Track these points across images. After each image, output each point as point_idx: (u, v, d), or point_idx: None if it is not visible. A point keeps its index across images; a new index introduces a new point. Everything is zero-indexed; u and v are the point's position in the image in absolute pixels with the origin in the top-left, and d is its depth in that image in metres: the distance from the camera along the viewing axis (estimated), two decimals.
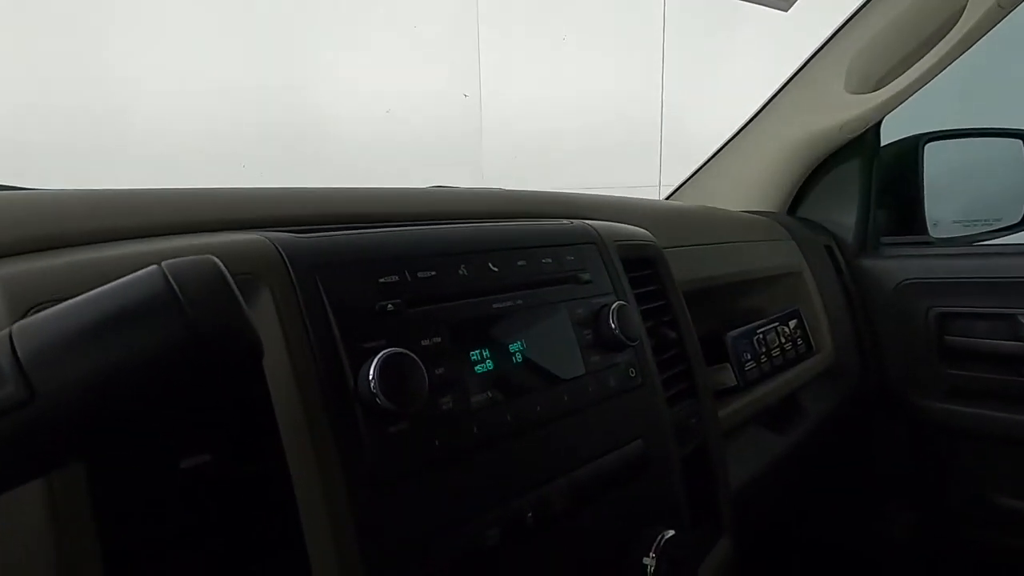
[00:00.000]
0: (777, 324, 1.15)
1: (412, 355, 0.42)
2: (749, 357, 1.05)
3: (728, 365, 1.01)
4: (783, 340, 1.15)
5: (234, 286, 0.25)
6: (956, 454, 1.29)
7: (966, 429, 1.27)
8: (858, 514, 1.38)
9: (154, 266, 0.25)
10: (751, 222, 1.26)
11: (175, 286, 0.24)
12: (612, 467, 0.54)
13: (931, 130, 1.49)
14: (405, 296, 0.45)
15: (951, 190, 1.56)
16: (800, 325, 1.21)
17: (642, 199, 1.01)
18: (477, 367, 0.47)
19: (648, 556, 0.53)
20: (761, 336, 1.10)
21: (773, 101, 1.31)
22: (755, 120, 1.34)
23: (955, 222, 1.57)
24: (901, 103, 1.22)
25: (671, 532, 0.55)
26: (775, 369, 1.09)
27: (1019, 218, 1.46)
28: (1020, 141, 1.50)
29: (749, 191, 1.38)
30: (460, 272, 0.49)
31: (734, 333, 1.05)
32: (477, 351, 0.48)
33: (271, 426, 0.38)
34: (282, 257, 0.42)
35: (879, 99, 1.20)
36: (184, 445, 0.36)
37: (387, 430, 0.41)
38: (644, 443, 0.58)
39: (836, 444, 1.26)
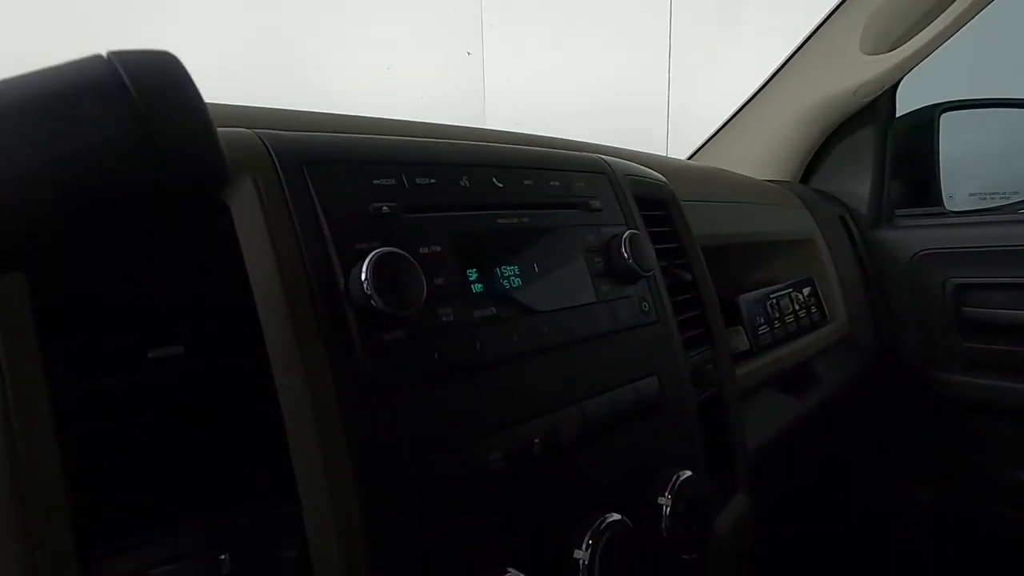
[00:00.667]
0: (791, 291, 1.11)
1: (408, 256, 0.38)
2: (762, 322, 1.01)
3: (741, 328, 0.97)
4: (797, 307, 1.11)
5: (197, 88, 0.22)
6: (974, 428, 1.25)
7: (984, 402, 1.23)
8: (875, 487, 1.34)
9: (98, 53, 0.21)
10: (764, 188, 1.22)
11: (123, 73, 0.20)
12: (625, 401, 0.50)
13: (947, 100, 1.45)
14: (402, 201, 0.41)
15: (968, 162, 1.52)
16: (814, 293, 1.17)
17: (656, 154, 0.97)
18: (480, 284, 0.44)
19: (664, 496, 0.49)
20: (774, 301, 1.06)
21: (787, 65, 1.27)
22: (768, 85, 1.29)
23: (972, 195, 1.54)
24: (918, 63, 1.18)
25: (688, 473, 0.52)
26: (789, 336, 1.05)
27: None
28: None
29: (762, 159, 1.34)
30: (462, 183, 0.46)
31: (747, 297, 1.01)
32: (480, 267, 0.44)
33: (253, 325, 0.35)
34: (268, 150, 0.38)
35: (896, 59, 1.16)
36: (153, 335, 0.32)
37: (381, 336, 0.38)
38: (659, 380, 0.54)
39: (852, 415, 1.22)
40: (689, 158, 1.39)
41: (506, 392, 0.43)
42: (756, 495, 0.71)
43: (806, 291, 1.15)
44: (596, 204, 0.55)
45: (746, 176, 1.22)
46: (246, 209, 0.36)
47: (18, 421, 0.28)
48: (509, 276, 0.46)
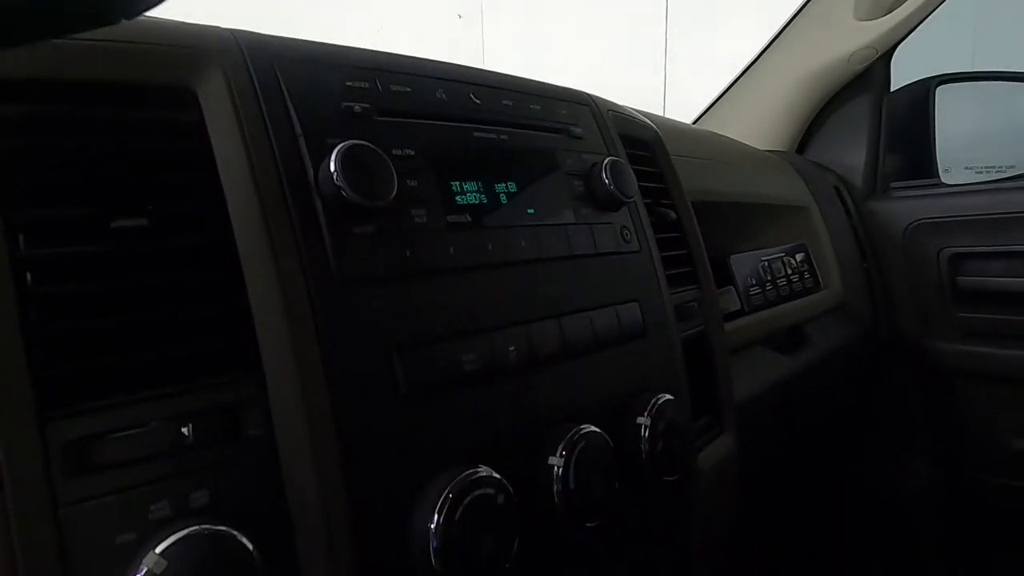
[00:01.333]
0: (783, 255, 1.11)
1: (378, 150, 0.38)
2: (754, 283, 1.01)
3: (732, 289, 0.97)
4: (789, 272, 1.11)
5: None
6: (970, 397, 1.24)
7: (980, 371, 1.22)
8: (869, 458, 1.33)
9: None
10: (760, 155, 1.22)
11: None
12: (605, 323, 0.50)
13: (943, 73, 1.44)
14: (375, 104, 0.41)
15: (963, 136, 1.52)
16: (807, 260, 1.17)
17: (651, 112, 0.97)
18: (457, 197, 0.43)
19: (643, 416, 0.49)
20: (766, 264, 1.06)
21: (782, 34, 1.27)
22: (764, 54, 1.29)
23: (967, 168, 1.53)
24: (912, 29, 1.17)
25: (668, 396, 0.51)
26: (781, 299, 1.05)
27: None
28: None
29: (759, 130, 1.33)
30: (438, 95, 0.45)
31: (739, 257, 1.00)
32: (454, 176, 0.44)
33: (222, 212, 0.35)
34: (239, 45, 0.38)
35: (888, 24, 1.15)
36: (117, 205, 0.32)
37: (351, 229, 0.37)
38: (640, 307, 0.54)
39: (845, 383, 1.22)
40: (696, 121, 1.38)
41: (480, 298, 0.43)
42: (745, 446, 0.71)
43: (799, 257, 1.15)
44: (577, 132, 0.55)
45: (740, 143, 1.21)
46: (215, 100, 0.36)
47: None
48: (484, 190, 0.45)
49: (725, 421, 0.67)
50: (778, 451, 1.02)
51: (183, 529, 0.29)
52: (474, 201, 0.44)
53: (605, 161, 0.53)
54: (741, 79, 1.31)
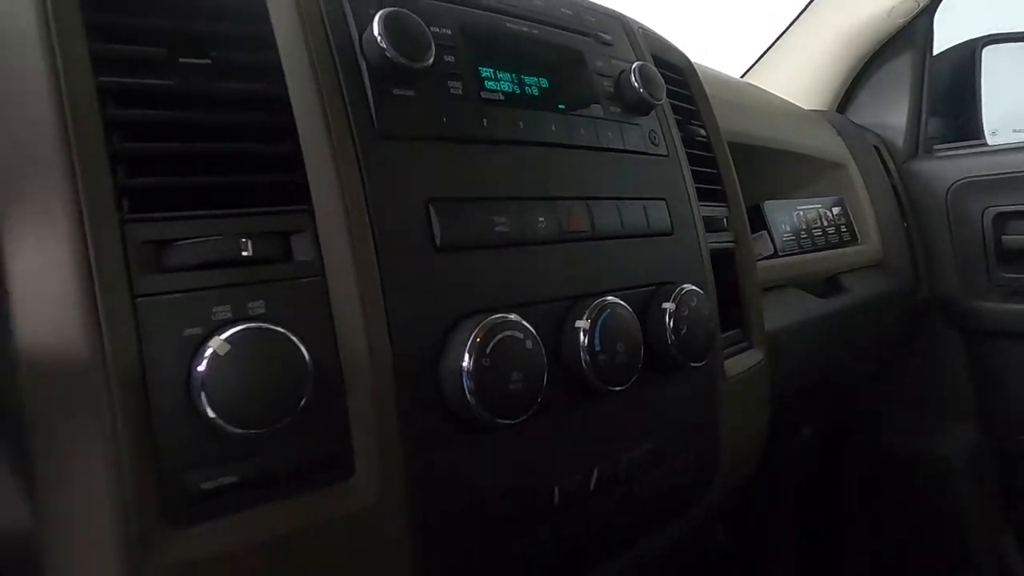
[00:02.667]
0: (819, 206, 1.11)
1: (417, 18, 0.41)
2: (787, 229, 1.01)
3: (765, 234, 0.98)
4: (825, 223, 1.10)
5: None
6: (1014, 358, 1.22)
7: None
8: (907, 419, 1.31)
9: None
10: (797, 110, 1.22)
11: None
12: (633, 214, 0.52)
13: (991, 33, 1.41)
14: None
15: (1012, 97, 1.48)
16: (844, 214, 1.16)
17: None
18: (488, 83, 0.46)
19: (668, 302, 0.51)
20: (802, 213, 1.06)
21: None
22: (803, 13, 1.29)
23: (1016, 131, 1.49)
24: None
25: (693, 286, 0.53)
26: (816, 248, 1.05)
27: None
28: None
29: (799, 89, 1.33)
30: None
31: (773, 203, 1.01)
32: (488, 60, 0.47)
33: (278, 66, 0.38)
34: None
35: None
36: (185, 49, 0.35)
37: (391, 89, 0.40)
38: (667, 206, 0.56)
39: (882, 338, 1.21)
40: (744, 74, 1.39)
41: (512, 170, 0.45)
42: (776, 372, 0.72)
43: (836, 210, 1.14)
44: (607, 38, 0.57)
45: (779, 97, 1.21)
46: None
47: (68, 97, 0.31)
48: (515, 76, 0.48)
49: (754, 337, 0.68)
50: (810, 391, 1.02)
51: (243, 325, 0.32)
52: (505, 82, 0.47)
53: (634, 65, 0.55)
54: (782, 38, 1.31)
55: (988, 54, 1.40)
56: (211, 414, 0.31)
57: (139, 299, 0.31)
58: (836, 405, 1.32)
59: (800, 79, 1.31)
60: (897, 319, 1.23)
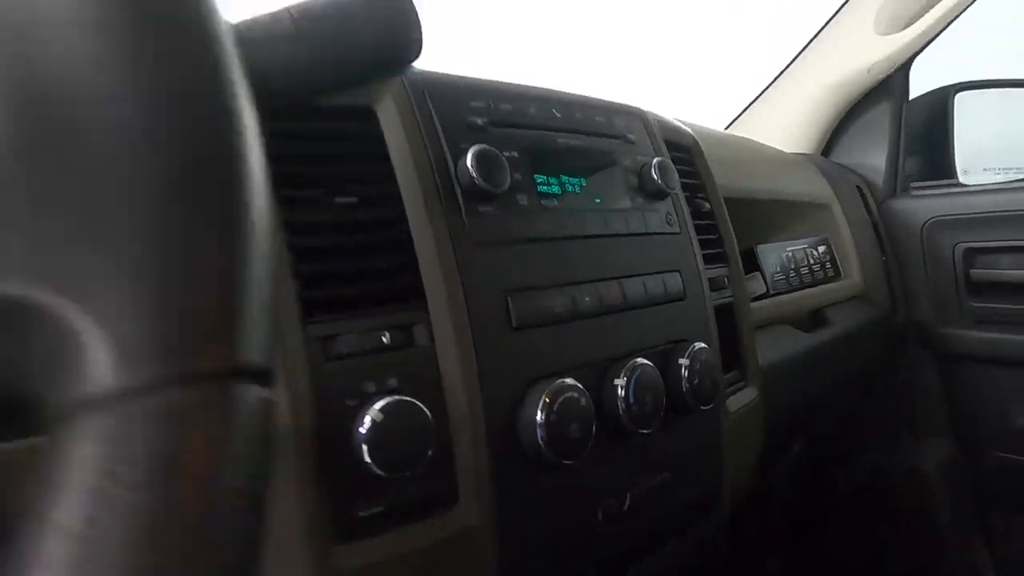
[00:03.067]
0: (806, 246, 1.24)
1: (498, 151, 0.54)
2: (778, 270, 1.14)
3: (758, 274, 1.11)
4: (811, 261, 1.24)
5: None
6: (982, 379, 1.36)
7: (992, 356, 1.33)
8: (886, 436, 1.45)
9: None
10: (785, 157, 1.35)
11: None
12: (655, 286, 0.65)
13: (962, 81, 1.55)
14: (489, 118, 0.57)
15: (983, 140, 1.62)
16: (829, 252, 1.30)
17: (688, 121, 1.12)
18: (544, 184, 0.59)
19: (683, 358, 0.64)
20: (791, 254, 1.19)
21: (806, 49, 1.40)
22: (789, 67, 1.43)
23: (986, 170, 1.63)
24: (928, 43, 1.30)
25: (703, 344, 0.66)
26: (803, 285, 1.18)
27: None
28: None
29: (786, 136, 1.46)
30: (531, 110, 0.61)
31: (765, 247, 1.14)
32: (545, 171, 0.59)
33: (398, 199, 0.51)
34: (402, 80, 0.54)
35: (907, 38, 1.28)
36: (338, 190, 0.48)
37: (479, 207, 0.53)
38: (681, 276, 0.69)
39: (863, 363, 1.34)
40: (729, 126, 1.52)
41: (564, 261, 0.58)
42: (768, 404, 0.85)
43: (821, 249, 1.28)
44: (632, 138, 0.70)
45: (768, 146, 1.35)
46: (389, 116, 0.52)
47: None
48: (565, 181, 0.61)
49: (750, 377, 0.81)
50: (799, 418, 1.15)
51: (387, 397, 0.44)
52: (556, 191, 0.60)
53: (654, 161, 0.68)
54: (769, 88, 1.45)
55: (959, 100, 1.54)
56: (370, 462, 0.43)
57: (317, 380, 0.44)
58: (823, 427, 1.45)
59: (787, 126, 1.45)
60: (877, 346, 1.36)
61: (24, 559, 0.19)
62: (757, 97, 1.46)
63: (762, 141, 1.42)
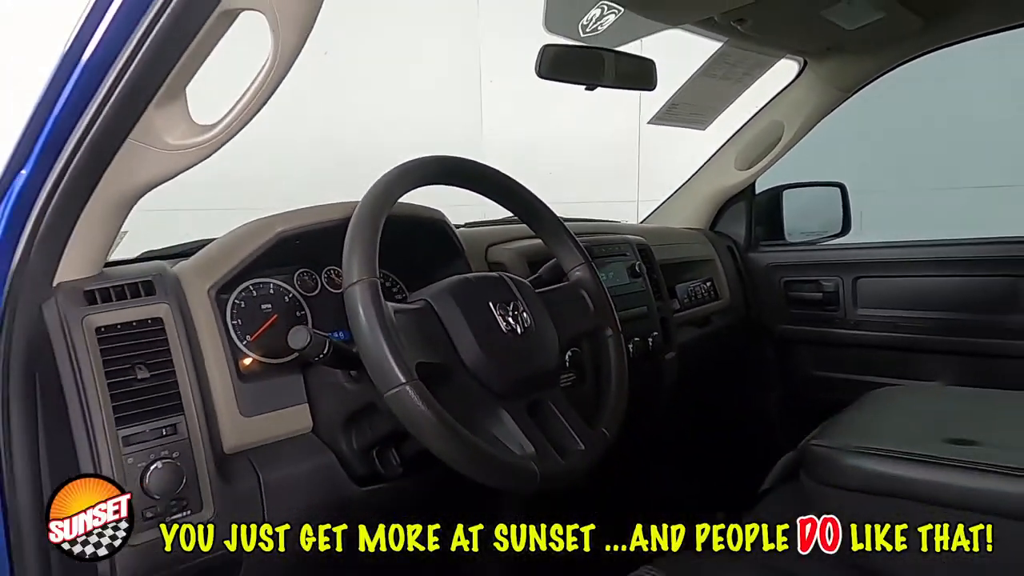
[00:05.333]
0: (700, 282, 2.35)
1: None
2: (686, 296, 2.25)
3: (676, 299, 2.21)
4: (703, 290, 2.35)
5: None
6: (798, 353, 2.51)
7: (803, 339, 2.49)
8: (748, 391, 2.59)
9: None
10: (688, 233, 2.47)
11: None
12: (635, 310, 1.71)
13: (787, 182, 2.72)
14: None
15: (801, 214, 2.79)
16: (713, 285, 2.41)
17: (634, 225, 2.20)
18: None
19: (650, 338, 1.70)
20: (691, 288, 2.30)
21: (697, 173, 2.53)
22: (688, 180, 2.55)
23: (802, 233, 2.81)
24: (759, 175, 2.44)
25: (656, 332, 1.73)
26: (698, 303, 2.29)
27: (839, 230, 2.70)
28: (837, 189, 2.74)
29: (686, 217, 2.58)
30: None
31: (679, 285, 2.24)
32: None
33: None
34: None
35: (753, 171, 2.41)
36: None
37: None
38: (646, 305, 1.75)
39: (731, 346, 2.47)
40: (647, 217, 2.64)
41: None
42: (681, 361, 1.93)
43: (708, 283, 2.39)
44: (627, 252, 1.77)
45: (678, 228, 2.46)
46: None
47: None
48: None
49: (674, 347, 1.89)
50: (696, 371, 2.25)
51: None
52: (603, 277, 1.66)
53: (638, 262, 1.75)
54: (674, 196, 2.57)
55: (786, 194, 2.71)
56: None
57: None
58: (709, 380, 2.57)
59: (688, 214, 2.57)
60: (739, 336, 2.49)
61: None
62: (667, 199, 2.59)
63: (672, 222, 2.53)
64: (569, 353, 1.41)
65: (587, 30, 1.64)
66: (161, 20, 0.79)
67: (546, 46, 1.47)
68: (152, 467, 0.91)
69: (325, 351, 0.95)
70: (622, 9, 1.51)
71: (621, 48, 1.61)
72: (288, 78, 0.84)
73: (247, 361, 1.07)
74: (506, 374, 1.00)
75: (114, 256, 1.11)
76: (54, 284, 0.95)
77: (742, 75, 2.09)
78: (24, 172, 0.91)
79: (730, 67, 2.04)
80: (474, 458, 0.88)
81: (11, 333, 0.91)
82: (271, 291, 1.14)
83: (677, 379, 1.91)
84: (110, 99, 0.84)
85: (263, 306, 1.11)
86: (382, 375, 0.87)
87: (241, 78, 0.87)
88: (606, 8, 1.57)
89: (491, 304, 1.03)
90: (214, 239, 1.17)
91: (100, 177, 0.89)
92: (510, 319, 1.04)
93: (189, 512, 0.95)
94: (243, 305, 1.09)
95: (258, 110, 0.88)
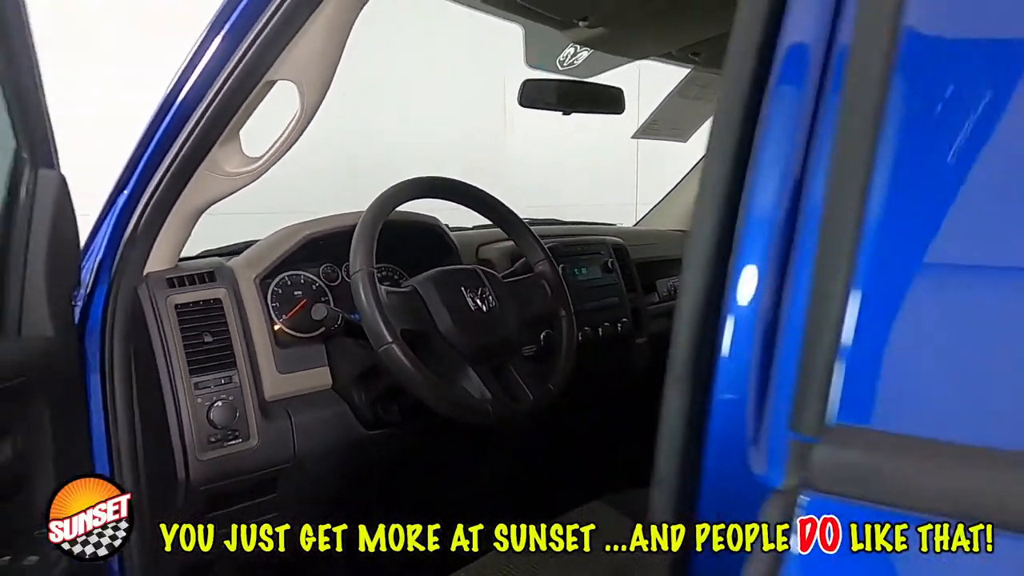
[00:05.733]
0: (678, 279, 2.64)
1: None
2: (666, 291, 2.54)
3: (657, 293, 2.50)
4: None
5: None
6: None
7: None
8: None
9: None
10: (669, 234, 2.75)
11: None
12: (608, 300, 2.02)
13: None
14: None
15: None
16: None
17: (618, 226, 2.50)
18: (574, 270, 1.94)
19: (619, 324, 2.00)
20: (672, 284, 2.59)
21: (687, 175, 2.81)
22: (678, 185, 2.83)
23: None
24: None
25: (626, 319, 2.04)
26: (676, 297, 2.57)
27: None
28: None
29: (677, 218, 2.87)
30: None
31: (660, 280, 2.53)
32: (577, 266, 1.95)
33: None
34: None
35: None
36: None
37: None
38: (617, 297, 2.06)
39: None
40: (640, 220, 2.93)
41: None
42: (651, 343, 2.22)
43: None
44: (603, 251, 2.07)
45: (664, 230, 2.76)
46: None
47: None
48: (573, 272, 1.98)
49: (644, 332, 2.19)
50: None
51: None
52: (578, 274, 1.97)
53: (612, 258, 2.05)
54: (665, 199, 2.86)
55: None
56: None
57: None
58: None
59: (679, 216, 2.86)
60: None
61: None
62: (658, 203, 2.87)
63: (659, 223, 2.82)
64: (543, 334, 1.72)
65: (564, 64, 1.96)
66: (226, 86, 1.14)
67: (526, 80, 1.79)
68: (214, 405, 1.26)
69: (339, 323, 1.29)
70: (590, 50, 1.82)
71: (592, 79, 1.92)
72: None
73: (283, 333, 1.42)
74: (473, 341, 1.33)
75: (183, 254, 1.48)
76: (144, 273, 1.31)
77: (713, 96, 2.37)
78: (125, 192, 1.27)
79: (701, 88, 2.32)
80: (440, 397, 1.22)
81: (115, 307, 1.27)
82: (302, 280, 1.49)
83: (650, 365, 2.21)
84: (188, 140, 1.19)
85: (295, 292, 1.47)
86: (376, 337, 1.20)
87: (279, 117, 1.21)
88: (578, 47, 1.89)
89: (463, 288, 1.36)
90: (257, 240, 1.52)
91: (178, 196, 1.25)
92: (478, 300, 1.37)
93: (240, 440, 1.30)
94: (280, 291, 1.45)
95: (291, 146, 1.22)
